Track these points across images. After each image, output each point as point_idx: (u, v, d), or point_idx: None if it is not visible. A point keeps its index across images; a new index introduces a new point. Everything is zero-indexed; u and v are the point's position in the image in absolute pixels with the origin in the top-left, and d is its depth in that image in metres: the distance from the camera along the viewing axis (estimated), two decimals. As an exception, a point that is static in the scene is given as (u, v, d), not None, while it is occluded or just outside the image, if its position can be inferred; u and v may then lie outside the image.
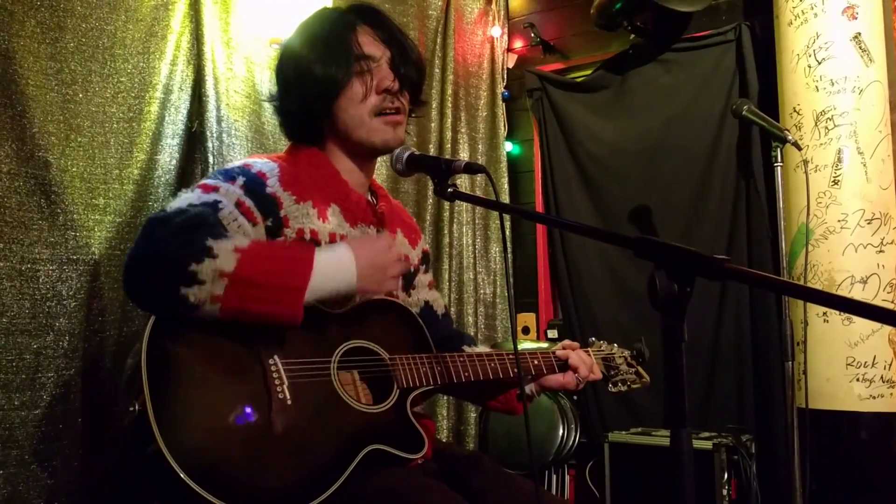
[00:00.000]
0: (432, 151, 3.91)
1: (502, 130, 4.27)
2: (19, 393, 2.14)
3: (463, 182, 3.91)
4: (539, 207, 4.32)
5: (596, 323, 4.01)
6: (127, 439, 1.44)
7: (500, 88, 4.32)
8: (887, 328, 2.97)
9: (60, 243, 2.29)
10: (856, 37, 3.13)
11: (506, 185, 4.26)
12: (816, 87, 3.17)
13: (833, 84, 3.13)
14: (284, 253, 1.53)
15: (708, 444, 3.18)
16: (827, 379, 3.05)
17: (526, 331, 4.28)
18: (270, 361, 1.52)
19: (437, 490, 1.60)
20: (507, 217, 4.09)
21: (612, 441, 3.45)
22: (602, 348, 2.13)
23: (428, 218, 3.85)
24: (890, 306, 3.03)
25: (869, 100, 3.11)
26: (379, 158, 1.97)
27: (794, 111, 3.24)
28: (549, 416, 3.64)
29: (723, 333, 3.69)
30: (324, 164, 1.81)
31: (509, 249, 4.20)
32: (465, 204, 3.97)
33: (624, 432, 3.51)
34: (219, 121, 2.75)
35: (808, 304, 3.07)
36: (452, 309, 3.87)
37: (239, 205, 1.60)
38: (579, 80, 4.24)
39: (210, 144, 2.70)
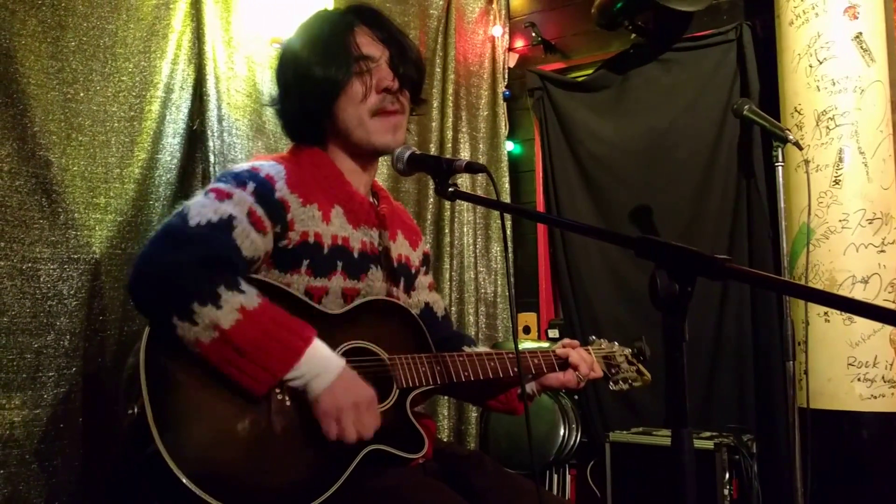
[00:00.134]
0: (433, 151, 3.91)
1: (503, 130, 4.27)
2: (20, 392, 2.14)
3: (464, 181, 3.91)
4: (540, 207, 4.32)
5: (597, 322, 4.01)
6: (126, 440, 1.44)
7: (501, 88, 4.31)
8: (888, 328, 2.97)
9: (61, 242, 2.29)
10: (857, 36, 3.13)
11: (507, 185, 4.26)
12: (818, 86, 3.16)
13: (834, 84, 3.13)
14: (282, 333, 1.49)
15: (709, 444, 3.17)
16: (828, 379, 3.04)
17: (527, 330, 4.28)
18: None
19: (438, 490, 1.60)
20: (507, 217, 4.09)
21: (613, 441, 3.45)
22: (603, 347, 2.13)
23: (429, 217, 3.85)
24: (891, 306, 3.02)
25: (870, 99, 3.10)
26: (380, 158, 1.97)
27: (796, 111, 3.24)
28: (550, 416, 3.64)
29: (724, 333, 3.69)
30: (327, 165, 1.81)
31: (510, 249, 4.19)
32: (466, 203, 3.97)
33: (625, 432, 3.51)
34: (220, 120, 2.76)
35: (810, 304, 3.07)
36: (453, 308, 3.87)
37: (250, 214, 1.60)
38: (580, 79, 4.24)
39: (211, 143, 2.71)
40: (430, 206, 3.87)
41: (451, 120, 3.99)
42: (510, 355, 1.86)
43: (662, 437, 3.35)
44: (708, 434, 3.30)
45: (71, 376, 2.27)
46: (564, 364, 1.98)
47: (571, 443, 3.65)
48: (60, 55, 2.34)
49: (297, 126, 1.87)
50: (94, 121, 2.42)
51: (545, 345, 3.85)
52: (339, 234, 1.74)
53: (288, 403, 1.51)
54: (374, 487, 1.54)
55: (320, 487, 1.47)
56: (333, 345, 1.61)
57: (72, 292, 2.30)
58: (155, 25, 2.64)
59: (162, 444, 1.34)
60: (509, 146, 4.34)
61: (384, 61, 1.79)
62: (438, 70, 3.98)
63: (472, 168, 1.62)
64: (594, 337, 2.17)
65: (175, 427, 1.38)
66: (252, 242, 1.59)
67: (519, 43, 4.49)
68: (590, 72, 4.22)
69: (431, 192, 3.81)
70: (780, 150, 3.07)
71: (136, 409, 1.40)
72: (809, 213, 3.08)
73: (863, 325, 2.98)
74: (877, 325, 2.95)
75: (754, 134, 3.64)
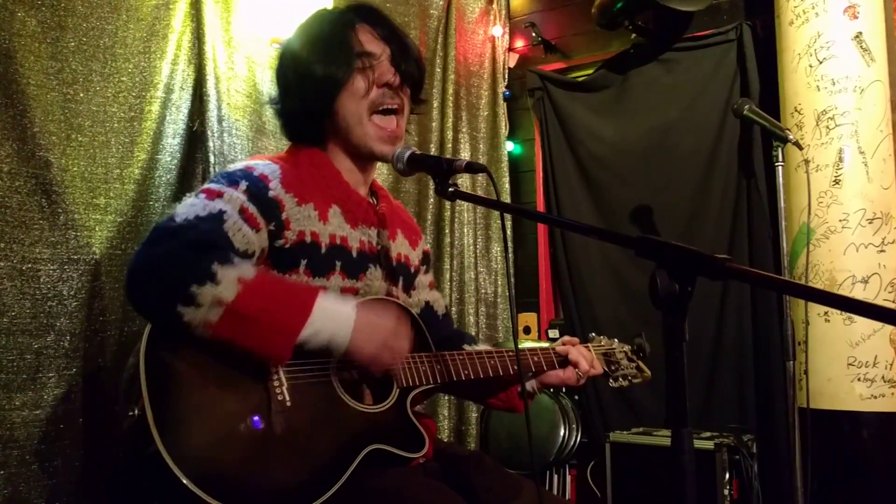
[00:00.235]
0: (433, 151, 3.91)
1: (503, 130, 4.27)
2: (20, 393, 2.14)
3: (464, 181, 3.91)
4: (540, 207, 4.32)
5: (597, 322, 4.01)
6: (127, 440, 1.44)
7: (502, 88, 4.31)
8: (888, 328, 2.97)
9: (61, 243, 2.29)
10: (857, 36, 3.13)
11: (507, 185, 4.26)
12: (818, 86, 3.16)
13: (834, 83, 3.13)
14: (286, 294, 1.51)
15: (709, 444, 3.17)
16: (828, 379, 3.04)
17: (527, 330, 4.27)
18: (270, 362, 1.52)
19: (438, 490, 1.60)
20: (508, 216, 4.09)
21: (613, 441, 3.45)
22: (602, 343, 2.13)
23: (429, 217, 3.85)
24: (891, 306, 3.02)
25: (870, 99, 3.10)
26: (379, 158, 1.96)
27: (796, 111, 3.24)
28: (550, 416, 3.64)
29: (724, 333, 3.69)
30: (325, 165, 1.81)
31: (510, 249, 4.19)
32: (466, 203, 3.98)
33: (625, 432, 3.51)
34: (220, 120, 2.76)
35: (810, 304, 3.07)
36: (453, 308, 3.87)
37: (242, 211, 1.60)
38: (580, 79, 4.24)
39: (211, 144, 2.71)
40: (431, 206, 3.87)
41: (451, 120, 3.99)
42: (510, 353, 1.86)
43: (663, 438, 3.35)
44: (708, 434, 3.30)
45: (71, 377, 2.27)
46: (564, 361, 1.98)
47: (572, 443, 3.65)
48: (60, 56, 2.34)
49: (296, 125, 1.87)
50: (94, 121, 2.42)
51: (545, 344, 3.85)
52: (338, 234, 1.74)
53: (288, 403, 1.51)
54: (375, 487, 1.54)
55: (321, 487, 1.47)
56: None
57: (72, 293, 2.30)
58: (155, 26, 2.64)
59: (162, 444, 1.34)
60: (509, 146, 4.34)
61: (385, 58, 1.80)
62: (439, 70, 3.99)
63: (473, 168, 1.62)
64: (594, 334, 2.17)
65: (175, 428, 1.38)
66: (244, 236, 1.59)
67: (519, 43, 4.49)
68: (590, 72, 4.22)
69: (432, 192, 3.81)
70: (780, 149, 3.07)
71: (136, 411, 1.40)
72: (809, 213, 3.08)
73: (863, 324, 2.98)
74: (877, 324, 2.95)
75: (754, 134, 3.64)
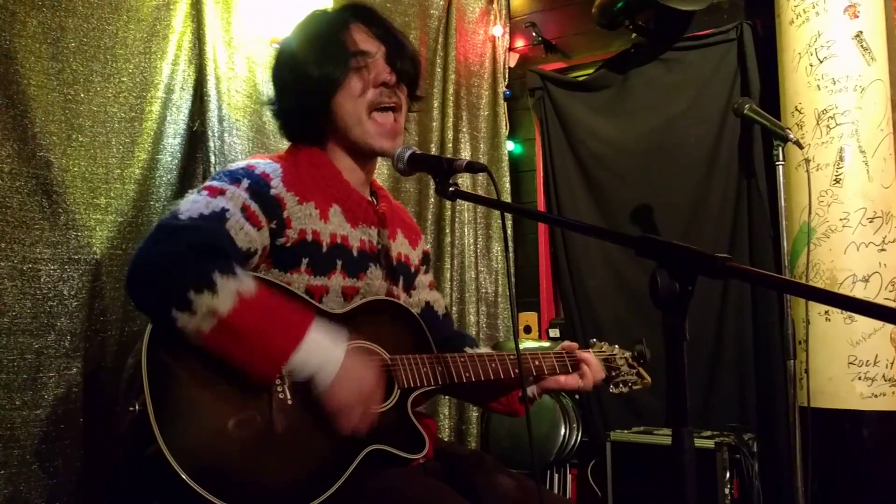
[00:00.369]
0: (434, 151, 3.91)
1: (504, 130, 4.27)
2: (21, 393, 2.14)
3: (464, 181, 3.91)
4: (541, 206, 4.32)
5: (598, 322, 4.01)
6: (127, 439, 1.44)
7: (502, 88, 4.31)
8: (889, 327, 2.97)
9: (62, 243, 2.29)
10: (857, 35, 3.13)
11: (507, 185, 4.26)
12: (818, 85, 3.16)
13: (835, 83, 3.13)
14: (280, 316, 1.49)
15: (710, 443, 3.17)
16: (829, 378, 3.04)
17: (528, 330, 4.28)
18: (271, 361, 1.52)
19: (438, 490, 1.60)
20: (508, 216, 4.09)
21: (613, 440, 3.45)
22: (603, 349, 2.13)
23: (429, 217, 3.85)
24: (892, 304, 3.02)
25: (870, 98, 3.10)
26: (380, 158, 1.97)
27: (796, 110, 3.24)
28: (550, 416, 3.64)
29: (725, 332, 3.69)
30: (325, 164, 1.81)
31: (511, 248, 4.19)
32: (466, 203, 3.98)
33: (626, 431, 3.51)
34: (220, 120, 2.76)
35: (810, 303, 3.07)
36: (454, 308, 3.87)
37: (244, 209, 1.60)
38: (581, 79, 4.24)
39: (211, 144, 2.71)
40: (431, 206, 3.86)
41: (451, 120, 3.99)
42: (511, 357, 1.86)
43: (663, 437, 3.35)
44: (709, 433, 3.30)
45: (71, 377, 2.27)
46: (565, 367, 1.97)
47: (572, 442, 3.65)
48: (61, 56, 2.34)
49: (294, 125, 1.87)
50: (95, 121, 2.42)
51: (546, 344, 3.86)
52: (338, 233, 1.74)
53: (290, 402, 1.51)
54: (375, 487, 1.54)
55: (321, 486, 1.47)
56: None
57: (72, 293, 2.30)
58: (155, 26, 2.64)
59: (163, 442, 1.34)
60: (510, 146, 4.35)
61: (381, 56, 1.80)
62: (439, 70, 3.99)
63: (473, 168, 1.62)
64: (595, 340, 2.17)
65: (176, 424, 1.38)
66: (246, 234, 1.58)
67: (519, 43, 4.49)
68: (590, 71, 4.22)
69: (432, 191, 3.81)
70: (780, 149, 3.07)
71: (137, 407, 1.40)
72: (810, 212, 3.08)
73: (863, 323, 2.98)
74: (877, 323, 2.95)
75: (755, 133, 3.64)
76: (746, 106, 3.19)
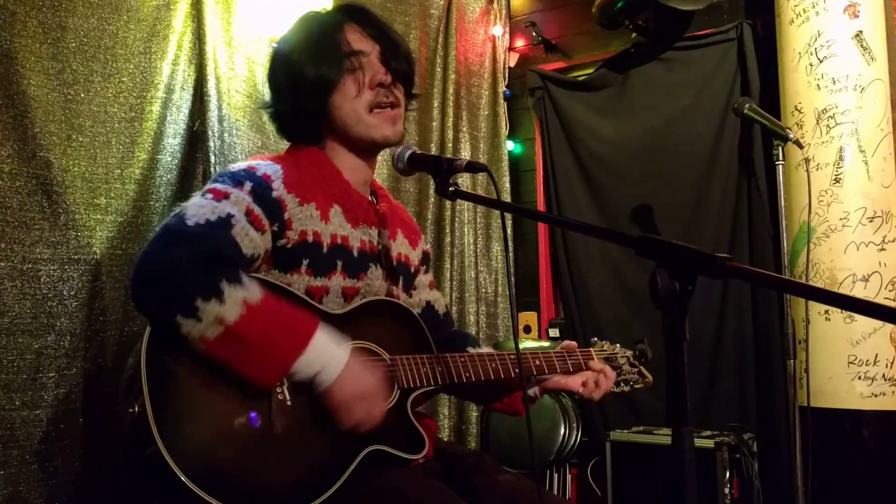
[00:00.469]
0: (434, 150, 3.91)
1: (504, 129, 4.27)
2: (20, 393, 2.14)
3: (464, 181, 3.91)
4: (541, 206, 4.32)
5: (598, 321, 4.01)
6: (127, 440, 1.44)
7: (502, 87, 4.31)
8: (889, 326, 2.97)
9: (62, 243, 2.29)
10: (857, 35, 3.13)
11: (507, 184, 4.26)
12: (818, 85, 3.16)
13: (834, 82, 3.13)
14: (286, 324, 1.51)
15: (710, 443, 3.17)
16: (829, 377, 3.04)
17: (527, 330, 4.28)
18: (271, 361, 1.52)
19: (438, 490, 1.60)
20: (508, 216, 4.09)
21: (613, 440, 3.45)
22: (604, 348, 2.13)
23: (429, 217, 3.85)
24: (892, 304, 3.02)
25: (870, 98, 3.10)
26: (380, 157, 1.97)
27: (796, 109, 3.24)
28: (550, 416, 3.64)
29: (724, 332, 3.69)
30: (325, 164, 1.81)
31: (511, 248, 4.20)
32: (466, 203, 3.97)
33: (626, 431, 3.51)
34: (220, 120, 2.76)
35: (810, 303, 3.07)
36: (454, 308, 3.87)
37: (248, 213, 1.60)
38: (581, 78, 4.24)
39: (212, 144, 2.71)
40: (431, 206, 3.86)
41: (451, 119, 3.98)
42: (511, 356, 1.86)
43: (663, 436, 3.35)
44: (709, 433, 3.30)
45: (71, 377, 2.27)
46: (568, 371, 1.97)
47: (572, 442, 3.65)
48: (61, 56, 2.34)
49: (292, 127, 1.88)
50: (95, 121, 2.42)
51: (546, 344, 3.85)
52: (339, 234, 1.74)
53: (289, 403, 1.51)
54: (375, 487, 1.54)
55: (321, 487, 1.47)
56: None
57: (72, 293, 2.30)
58: (155, 26, 2.64)
59: (162, 443, 1.34)
60: (510, 145, 4.35)
61: (375, 56, 1.80)
62: (439, 70, 3.99)
63: (473, 167, 1.62)
64: (596, 339, 2.17)
65: (175, 426, 1.38)
66: (251, 240, 1.59)
67: (519, 42, 4.49)
68: (590, 71, 4.22)
69: (432, 191, 3.81)
70: (780, 148, 3.07)
71: (136, 408, 1.40)
72: (810, 212, 3.08)
73: (863, 323, 2.99)
74: (877, 323, 2.95)
75: (755, 132, 3.64)
76: (746, 105, 3.19)
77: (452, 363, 1.77)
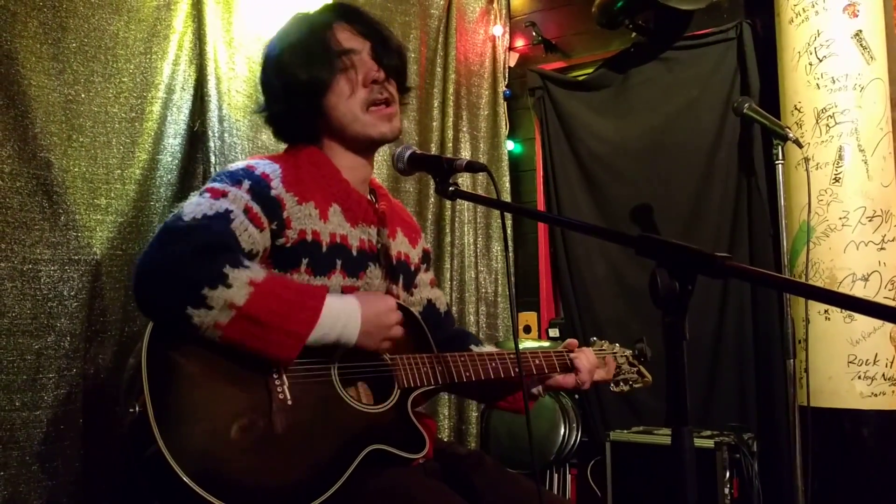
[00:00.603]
0: (434, 150, 3.91)
1: (504, 129, 4.27)
2: (20, 394, 2.14)
3: (464, 181, 3.91)
4: (541, 206, 4.32)
5: (598, 321, 4.01)
6: (128, 440, 1.45)
7: (502, 87, 4.31)
8: (889, 326, 2.97)
9: (62, 243, 2.29)
10: (857, 34, 3.13)
11: (507, 184, 4.26)
12: (817, 84, 3.16)
13: (834, 81, 3.13)
14: (296, 296, 1.53)
15: (710, 443, 3.17)
16: (829, 377, 3.04)
17: (527, 330, 4.28)
18: (271, 361, 1.52)
19: (438, 490, 1.60)
20: (508, 216, 4.09)
21: (613, 440, 3.45)
22: (604, 348, 2.13)
23: (429, 217, 3.85)
24: (891, 303, 3.02)
25: (870, 97, 3.10)
26: (380, 157, 1.97)
27: (796, 109, 3.24)
28: (550, 416, 3.64)
29: (724, 331, 3.69)
30: (324, 163, 1.81)
31: (511, 248, 4.20)
32: (466, 203, 3.97)
33: (625, 431, 3.51)
34: (221, 120, 2.76)
35: (810, 302, 3.07)
36: (454, 308, 3.87)
37: (247, 211, 1.61)
38: (581, 78, 4.24)
39: (212, 144, 2.71)
40: (431, 206, 3.86)
41: (451, 119, 3.98)
42: (511, 356, 1.86)
43: (663, 436, 3.35)
44: (708, 433, 3.30)
45: (71, 377, 2.27)
46: (565, 366, 1.98)
47: (572, 442, 3.65)
48: (61, 56, 2.34)
49: (289, 129, 1.88)
50: (95, 122, 2.43)
51: (546, 344, 3.86)
52: (338, 233, 1.74)
53: (289, 402, 1.51)
54: (375, 487, 1.54)
55: (321, 487, 1.47)
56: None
57: (72, 293, 2.30)
58: (156, 26, 2.64)
59: (163, 443, 1.34)
60: (510, 145, 4.35)
61: (367, 53, 1.80)
62: (439, 70, 3.99)
63: (473, 167, 1.63)
64: (595, 338, 2.17)
65: (176, 425, 1.38)
66: (250, 235, 1.59)
67: (519, 42, 4.49)
68: (590, 71, 4.22)
69: (432, 191, 3.80)
70: (780, 148, 3.07)
71: (137, 408, 1.40)
72: (809, 211, 3.08)
73: (863, 322, 2.98)
74: (877, 322, 2.95)
75: (754, 132, 3.64)
76: (746, 105, 3.19)
77: (452, 363, 1.78)
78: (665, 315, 1.10)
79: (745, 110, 3.18)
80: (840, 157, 3.09)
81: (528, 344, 3.87)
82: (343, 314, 1.57)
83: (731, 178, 3.75)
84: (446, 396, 3.67)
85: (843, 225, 3.06)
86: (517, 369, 1.85)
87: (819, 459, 2.98)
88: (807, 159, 3.12)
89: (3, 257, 2.13)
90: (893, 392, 3.00)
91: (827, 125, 3.12)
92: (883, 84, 3.15)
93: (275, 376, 1.52)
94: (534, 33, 4.36)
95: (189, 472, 1.34)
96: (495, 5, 4.36)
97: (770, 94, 3.52)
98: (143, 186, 2.54)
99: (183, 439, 1.37)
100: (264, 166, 1.71)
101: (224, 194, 1.61)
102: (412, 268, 1.98)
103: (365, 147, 1.85)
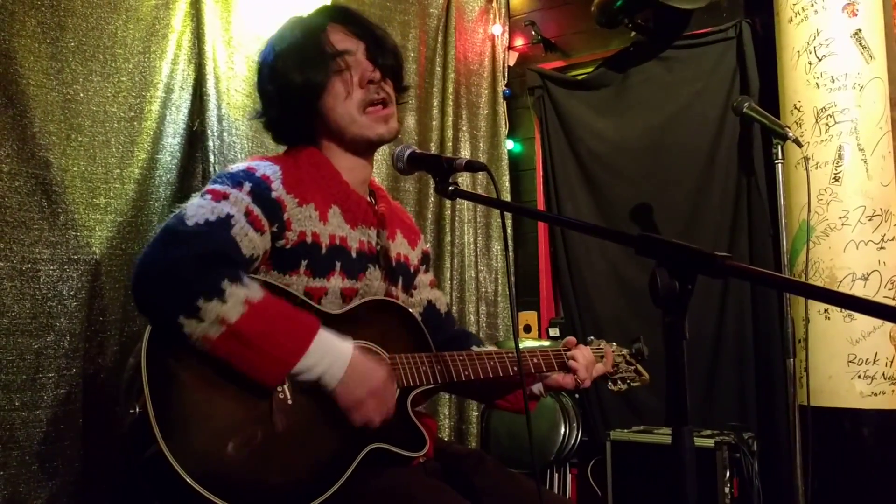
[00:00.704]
0: (433, 150, 3.90)
1: (503, 128, 4.27)
2: (20, 394, 2.14)
3: (464, 180, 3.91)
4: (540, 205, 4.32)
5: (598, 321, 4.01)
6: (128, 441, 1.44)
7: (502, 86, 4.31)
8: (888, 325, 2.97)
9: (61, 243, 2.29)
10: (856, 33, 3.13)
11: (507, 184, 4.26)
12: (817, 83, 3.16)
13: (833, 81, 3.13)
14: (288, 324, 1.51)
15: (710, 442, 3.17)
16: (829, 376, 3.04)
17: (527, 329, 4.27)
18: (271, 361, 1.52)
19: (439, 489, 1.60)
20: (508, 215, 4.09)
21: (613, 439, 3.45)
22: (601, 347, 2.13)
23: (429, 216, 3.85)
24: (891, 303, 3.02)
25: (869, 96, 3.10)
26: (380, 157, 1.97)
27: (795, 108, 3.24)
28: (551, 415, 3.64)
29: (724, 331, 3.69)
30: (324, 165, 1.81)
31: (511, 248, 4.20)
32: (466, 202, 3.97)
33: (626, 430, 3.51)
34: (220, 120, 2.76)
35: (810, 301, 3.07)
36: (454, 308, 3.87)
37: (248, 214, 1.60)
38: (580, 77, 4.24)
39: (211, 143, 2.71)
40: (431, 205, 3.86)
41: (451, 119, 3.98)
42: (510, 354, 1.86)
43: (663, 436, 3.35)
44: (709, 432, 3.30)
45: (71, 377, 2.27)
46: (564, 365, 1.98)
47: (572, 442, 3.65)
48: (60, 56, 2.34)
49: (287, 133, 1.88)
50: (94, 121, 2.42)
51: (546, 343, 3.86)
52: (337, 234, 1.74)
53: (290, 402, 1.51)
54: (376, 486, 1.54)
55: (322, 486, 1.47)
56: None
57: (72, 293, 2.30)
58: (155, 25, 2.64)
59: (164, 443, 1.34)
60: (509, 145, 4.34)
61: (361, 54, 1.80)
62: (438, 69, 3.98)
63: (473, 167, 1.62)
64: (592, 337, 2.17)
65: (177, 426, 1.38)
66: (251, 241, 1.59)
67: (519, 41, 4.49)
68: (590, 70, 4.22)
69: (432, 191, 3.80)
70: (779, 147, 3.07)
71: (137, 409, 1.40)
72: (809, 211, 3.08)
73: (863, 322, 2.98)
74: (877, 322, 2.95)
75: (754, 131, 3.64)
76: (745, 104, 3.19)
77: (451, 362, 1.78)
78: (665, 314, 1.10)
79: (744, 109, 3.18)
80: (840, 157, 3.09)
81: (528, 343, 3.87)
82: (333, 353, 1.53)
83: (731, 178, 3.75)
84: (446, 396, 3.67)
85: (842, 224, 3.06)
86: (516, 368, 1.85)
87: (819, 459, 2.98)
88: (806, 158, 3.11)
89: (3, 257, 2.13)
90: (893, 391, 3.00)
91: (826, 124, 3.12)
92: (882, 83, 3.15)
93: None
94: (533, 32, 4.35)
95: (190, 472, 1.34)
96: (494, 4, 4.36)
97: (769, 93, 3.52)
98: (143, 186, 2.54)
99: (183, 439, 1.37)
100: (265, 168, 1.70)
101: (225, 196, 1.61)
102: (411, 269, 1.98)
103: (363, 148, 1.85)
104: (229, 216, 1.57)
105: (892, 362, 3.00)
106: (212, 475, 1.37)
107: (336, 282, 1.71)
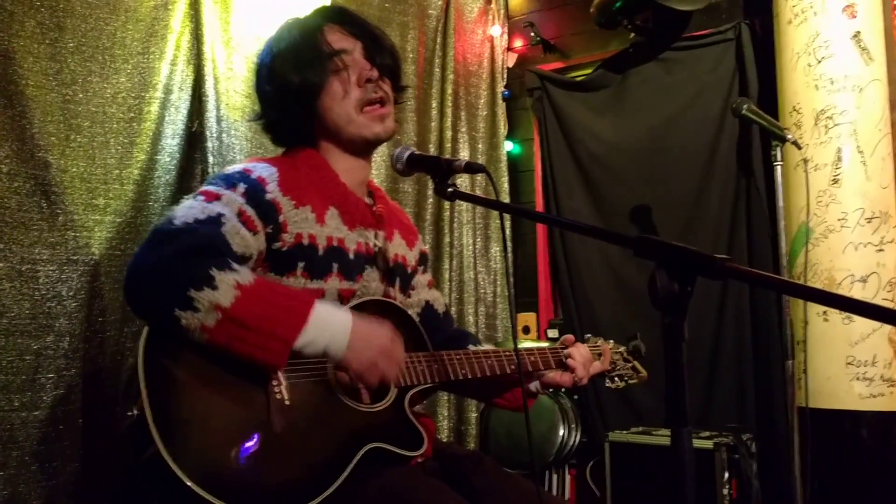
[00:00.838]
0: (432, 151, 3.91)
1: (502, 130, 4.27)
2: (19, 394, 2.14)
3: (463, 181, 3.91)
4: (539, 207, 4.32)
5: (597, 322, 4.01)
6: (126, 442, 1.44)
7: (501, 88, 4.31)
8: (887, 327, 2.97)
9: (60, 244, 2.29)
10: (855, 35, 3.13)
11: (506, 185, 4.26)
12: (816, 85, 3.16)
13: (833, 83, 3.13)
14: (283, 300, 1.51)
15: (709, 444, 3.17)
16: (827, 378, 3.04)
17: (526, 330, 4.27)
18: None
19: (438, 489, 1.60)
20: (507, 216, 4.09)
21: (612, 441, 3.45)
22: (599, 344, 2.13)
23: (428, 218, 3.85)
24: (890, 305, 3.03)
25: (869, 98, 3.10)
26: (379, 158, 1.97)
27: (794, 110, 3.24)
28: (549, 416, 3.64)
29: (723, 332, 3.69)
30: (322, 166, 1.81)
31: (509, 249, 4.19)
32: (465, 204, 3.97)
33: (625, 432, 3.51)
34: (219, 121, 2.76)
35: (809, 303, 3.07)
36: (453, 309, 3.87)
37: (240, 214, 1.60)
38: (579, 79, 4.24)
39: (210, 144, 2.71)
40: (430, 207, 3.86)
41: (450, 120, 3.98)
42: (508, 353, 1.86)
43: (662, 437, 3.35)
44: (707, 433, 3.30)
45: (70, 378, 2.27)
46: (562, 363, 1.98)
47: (571, 443, 3.65)
48: (59, 56, 2.34)
49: (286, 134, 1.88)
50: (93, 122, 2.42)
51: (545, 344, 3.85)
52: (335, 236, 1.74)
53: (287, 402, 1.51)
54: (374, 486, 1.54)
55: (320, 486, 1.47)
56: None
57: (71, 293, 2.30)
58: (154, 26, 2.64)
59: (162, 444, 1.34)
60: (508, 146, 4.34)
61: (359, 53, 1.80)
62: (437, 70, 3.98)
63: (472, 168, 1.62)
64: (590, 335, 2.17)
65: (175, 427, 1.38)
66: (242, 238, 1.59)
67: (518, 43, 4.49)
68: (589, 71, 4.22)
69: (431, 192, 3.80)
70: (778, 149, 3.07)
71: (135, 411, 1.40)
72: (808, 213, 3.08)
73: (862, 324, 2.98)
74: (875, 324, 2.95)
75: (753, 133, 3.64)
76: (745, 106, 3.19)
77: (448, 361, 1.78)
78: (664, 316, 1.10)
79: (743, 111, 3.18)
80: (839, 159, 3.09)
81: (527, 344, 3.86)
82: (333, 323, 1.54)
83: (730, 180, 3.75)
84: (445, 397, 3.67)
85: (841, 226, 3.06)
86: (513, 366, 1.85)
87: (818, 460, 2.99)
88: (805, 160, 3.11)
89: (2, 257, 2.13)
90: (892, 393, 3.00)
91: (826, 126, 3.12)
92: (882, 85, 3.15)
93: (272, 377, 1.52)
94: (532, 34, 4.35)
95: (188, 473, 1.34)
96: (493, 5, 4.36)
97: (769, 94, 3.52)
98: (142, 187, 2.54)
99: (181, 440, 1.37)
100: (261, 170, 1.70)
101: (217, 197, 1.61)
102: (409, 270, 1.98)
103: (361, 148, 1.85)
104: (220, 215, 1.57)
105: (890, 364, 3.00)
106: (210, 476, 1.37)
107: (334, 283, 1.71)
